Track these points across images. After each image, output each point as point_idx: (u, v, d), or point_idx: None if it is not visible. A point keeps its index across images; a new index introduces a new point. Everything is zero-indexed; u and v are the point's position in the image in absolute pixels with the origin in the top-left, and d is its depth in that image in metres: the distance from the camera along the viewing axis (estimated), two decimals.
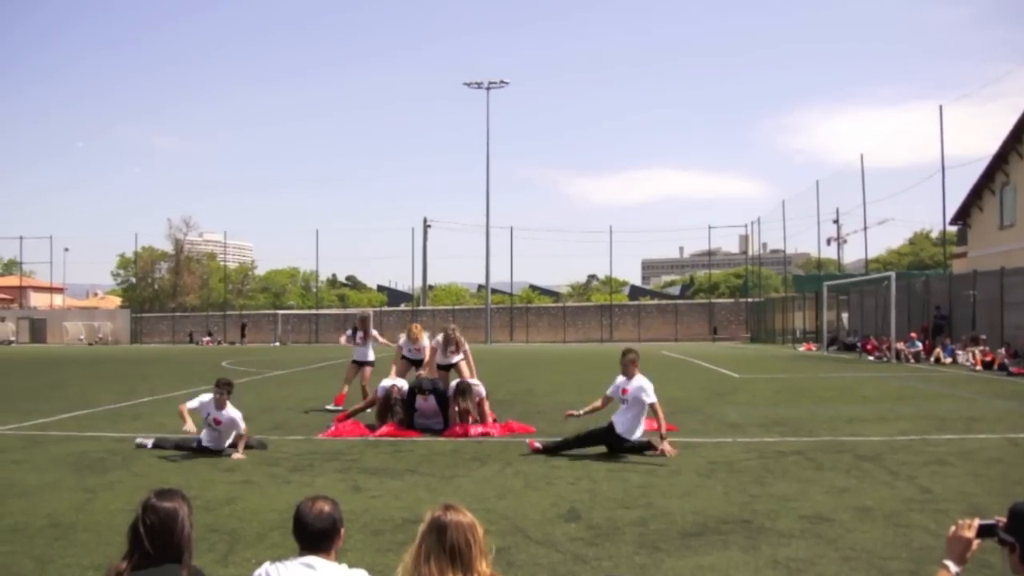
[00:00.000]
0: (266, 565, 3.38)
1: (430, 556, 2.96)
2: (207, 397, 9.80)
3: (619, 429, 9.25)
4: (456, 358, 12.65)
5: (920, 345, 29.40)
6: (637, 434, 9.30)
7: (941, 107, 38.60)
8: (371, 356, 15.03)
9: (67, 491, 7.62)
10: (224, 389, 9.67)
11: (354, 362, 14.99)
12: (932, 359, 27.91)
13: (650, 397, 9.20)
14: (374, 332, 15.12)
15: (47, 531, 6.17)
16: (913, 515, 6.46)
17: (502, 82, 64.78)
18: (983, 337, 26.42)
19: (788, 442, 10.28)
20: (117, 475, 8.41)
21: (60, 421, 12.86)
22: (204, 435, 9.76)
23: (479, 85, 64.16)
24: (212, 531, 6.07)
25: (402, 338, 13.59)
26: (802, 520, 6.34)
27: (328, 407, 14.20)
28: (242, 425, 9.63)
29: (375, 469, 8.68)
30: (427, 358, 12.83)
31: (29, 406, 14.86)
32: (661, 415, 9.19)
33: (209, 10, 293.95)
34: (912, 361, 28.25)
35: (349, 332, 15.20)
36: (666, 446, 8.94)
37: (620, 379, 9.59)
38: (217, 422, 9.65)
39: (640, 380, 9.39)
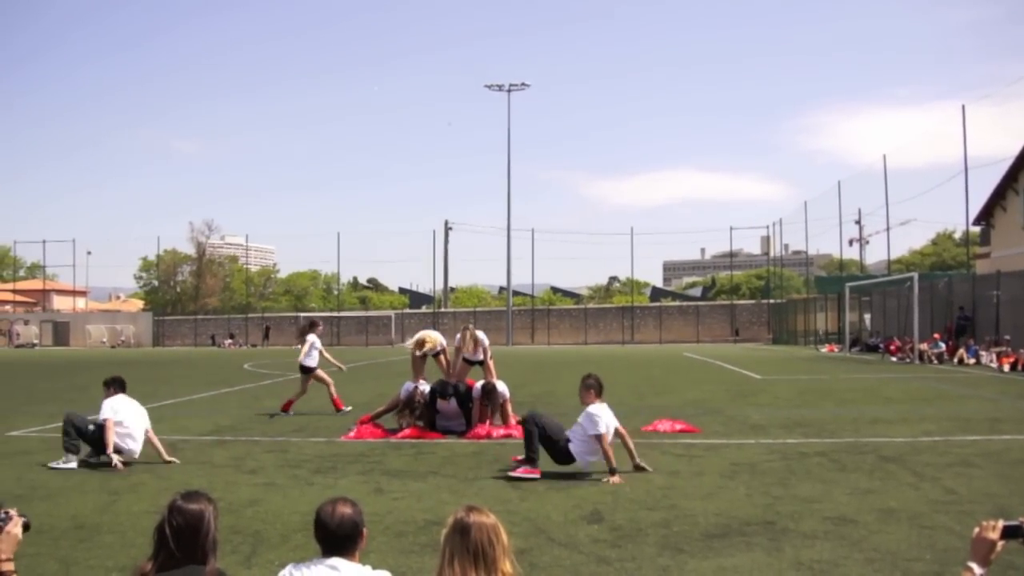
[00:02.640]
0: (290, 567, 3.39)
1: (454, 558, 2.97)
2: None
3: (573, 450, 8.29)
4: (478, 356, 12.51)
5: (943, 346, 29.19)
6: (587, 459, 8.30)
7: (964, 107, 38.26)
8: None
9: (91, 493, 7.68)
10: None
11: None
12: (955, 360, 27.69)
13: (593, 429, 8.07)
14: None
15: (72, 533, 6.22)
16: (937, 516, 6.41)
17: (523, 84, 64.89)
18: (1007, 338, 26.20)
19: (811, 443, 10.22)
20: (140, 477, 8.47)
21: None
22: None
23: (500, 87, 64.27)
24: (235, 533, 6.09)
25: (410, 343, 13.31)
26: (825, 522, 6.30)
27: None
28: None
29: (397, 471, 8.70)
30: (448, 364, 12.71)
31: (52, 408, 14.97)
32: (607, 448, 8.04)
33: (230, 13, 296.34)
34: (935, 362, 28.04)
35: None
36: (613, 479, 7.89)
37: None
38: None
39: (591, 408, 8.26)
